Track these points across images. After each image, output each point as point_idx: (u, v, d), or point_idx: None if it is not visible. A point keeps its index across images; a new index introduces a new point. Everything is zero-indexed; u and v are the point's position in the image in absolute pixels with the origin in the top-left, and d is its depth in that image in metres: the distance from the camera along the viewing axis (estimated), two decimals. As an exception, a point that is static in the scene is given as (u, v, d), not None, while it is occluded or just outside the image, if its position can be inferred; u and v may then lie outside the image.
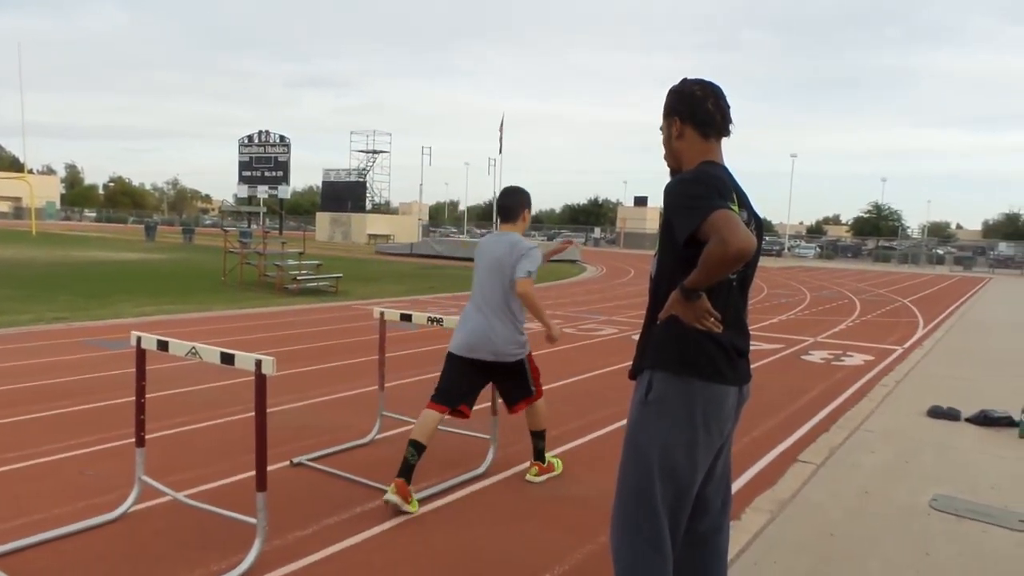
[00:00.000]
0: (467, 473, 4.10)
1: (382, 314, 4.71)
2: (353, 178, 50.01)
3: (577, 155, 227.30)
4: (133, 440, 3.44)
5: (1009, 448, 4.95)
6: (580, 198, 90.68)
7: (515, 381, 3.90)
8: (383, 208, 55.60)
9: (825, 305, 15.94)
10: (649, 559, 2.06)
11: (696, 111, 2.13)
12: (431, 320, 4.49)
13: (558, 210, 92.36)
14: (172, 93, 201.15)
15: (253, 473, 3.01)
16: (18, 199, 70.43)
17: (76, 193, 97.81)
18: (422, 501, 3.69)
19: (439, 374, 3.87)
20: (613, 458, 4.65)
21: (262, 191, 47.96)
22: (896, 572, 3.04)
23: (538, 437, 4.08)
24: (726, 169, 2.15)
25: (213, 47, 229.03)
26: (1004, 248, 49.12)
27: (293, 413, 5.36)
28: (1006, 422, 5.46)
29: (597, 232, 63.52)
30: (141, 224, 52.35)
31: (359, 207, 48.08)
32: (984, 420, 5.52)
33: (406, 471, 3.58)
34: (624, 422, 5.62)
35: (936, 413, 5.74)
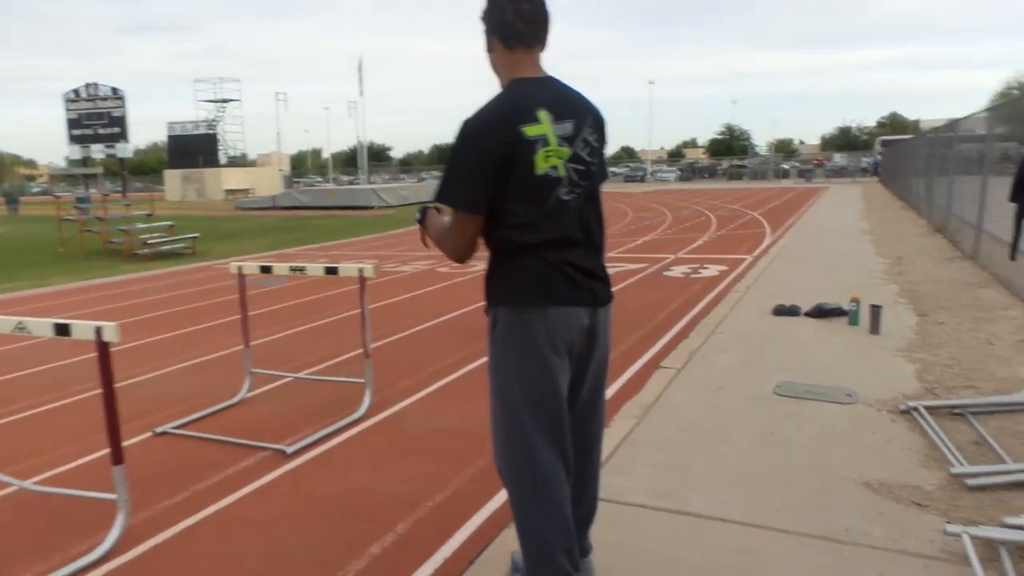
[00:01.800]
0: (345, 419, 4.07)
1: (240, 268, 4.48)
2: (202, 130, 46.46)
3: (440, 92, 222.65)
4: (-39, 431, 3.12)
5: (840, 335, 5.54)
6: (447, 137, 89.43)
7: None
8: (240, 161, 52.28)
9: (685, 224, 16.86)
10: (533, 492, 2.03)
11: (496, 20, 1.97)
12: (294, 269, 4.33)
13: (426, 151, 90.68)
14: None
15: (109, 450, 2.81)
16: None
17: None
18: (299, 452, 3.64)
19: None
20: (480, 387, 4.78)
21: (97, 151, 43.54)
22: (745, 452, 3.36)
23: None
24: (541, 81, 1.98)
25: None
26: (838, 159, 53.82)
27: (154, 382, 5.06)
28: (837, 312, 6.09)
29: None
30: (-45, 198, 46.22)
31: (212, 161, 44.94)
32: (819, 312, 6.13)
33: None
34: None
35: (780, 311, 6.30)
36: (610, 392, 4.33)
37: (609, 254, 9.29)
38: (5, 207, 34.26)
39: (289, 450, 3.63)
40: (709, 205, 23.33)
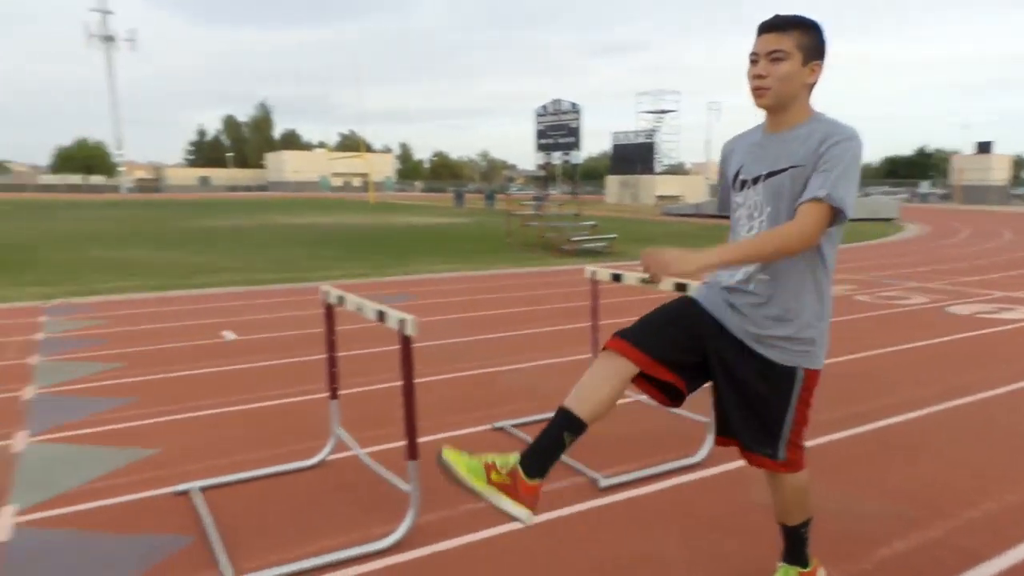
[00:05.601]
0: (677, 461, 3.50)
1: (594, 273, 4.25)
2: (641, 140, 49.47)
3: (899, 99, 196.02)
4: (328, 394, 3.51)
5: None
6: (904, 148, 78.44)
7: (762, 405, 2.11)
8: (676, 169, 54.20)
9: None
10: None
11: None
12: (643, 281, 3.91)
13: (876, 163, 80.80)
14: (481, 74, 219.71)
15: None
16: (365, 175, 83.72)
17: (408, 168, 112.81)
18: (609, 489, 3.22)
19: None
20: (871, 464, 3.61)
21: (556, 158, 49.91)
22: None
23: (792, 531, 2.32)
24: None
25: (518, 26, 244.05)
26: None
27: (519, 375, 5.22)
28: None
29: (924, 186, 54.15)
30: (454, 192, 58.35)
31: (648, 169, 47.50)
32: None
33: None
34: (901, 417, 4.40)
35: None
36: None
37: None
38: (484, 202, 41.79)
39: (605, 483, 3.23)
40: None
